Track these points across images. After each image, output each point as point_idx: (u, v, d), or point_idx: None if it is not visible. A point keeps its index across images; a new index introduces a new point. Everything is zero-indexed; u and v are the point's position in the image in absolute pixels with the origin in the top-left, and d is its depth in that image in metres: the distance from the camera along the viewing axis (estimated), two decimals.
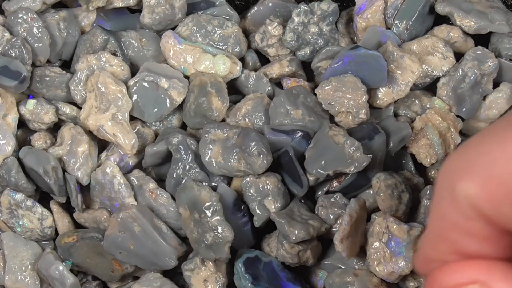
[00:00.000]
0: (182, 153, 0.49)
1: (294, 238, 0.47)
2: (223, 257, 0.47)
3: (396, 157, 0.53)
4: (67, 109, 0.53)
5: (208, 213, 0.47)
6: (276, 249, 0.50)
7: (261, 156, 0.47)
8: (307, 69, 0.55)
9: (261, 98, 0.52)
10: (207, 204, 0.47)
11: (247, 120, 0.51)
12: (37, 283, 0.51)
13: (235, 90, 0.54)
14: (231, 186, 0.50)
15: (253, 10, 0.56)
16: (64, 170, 0.51)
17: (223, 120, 0.52)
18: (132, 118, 0.52)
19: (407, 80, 0.52)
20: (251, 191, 0.48)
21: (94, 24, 0.55)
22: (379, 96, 0.52)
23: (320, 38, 0.54)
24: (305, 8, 0.53)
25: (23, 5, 0.53)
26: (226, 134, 0.49)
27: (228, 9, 0.55)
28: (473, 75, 0.53)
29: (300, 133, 0.49)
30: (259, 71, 0.54)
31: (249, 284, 0.47)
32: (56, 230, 0.52)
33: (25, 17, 0.52)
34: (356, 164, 0.48)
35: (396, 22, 0.55)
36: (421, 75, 0.53)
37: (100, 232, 0.50)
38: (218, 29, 0.54)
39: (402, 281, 0.49)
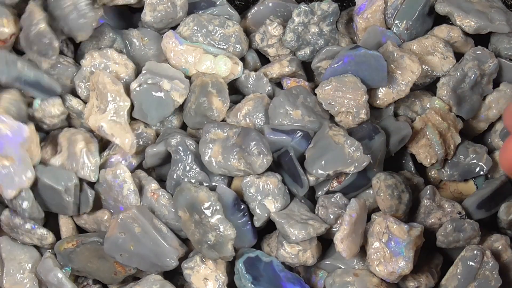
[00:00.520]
0: (182, 154, 0.49)
1: (294, 238, 0.47)
2: (227, 255, 0.47)
3: (396, 157, 0.53)
4: (74, 102, 0.52)
5: (208, 213, 0.47)
6: (276, 249, 0.50)
7: (261, 155, 0.47)
8: (307, 69, 0.55)
9: (261, 98, 0.52)
10: (206, 204, 0.47)
11: (247, 120, 0.51)
12: (35, 283, 0.51)
13: (235, 90, 0.54)
14: (231, 186, 0.50)
15: (253, 10, 0.56)
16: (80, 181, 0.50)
17: (223, 120, 0.52)
18: (134, 119, 0.52)
19: (407, 80, 0.52)
20: (251, 190, 0.48)
21: (102, 21, 0.54)
22: (379, 96, 0.52)
23: (320, 38, 0.54)
24: (306, 8, 0.53)
25: None
26: (226, 134, 0.49)
27: (229, 8, 0.55)
28: (473, 75, 0.53)
29: (300, 133, 0.49)
30: (259, 71, 0.54)
31: (249, 284, 0.47)
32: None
33: None
34: (356, 164, 0.48)
35: (396, 22, 0.55)
36: (421, 75, 0.53)
37: (101, 235, 0.49)
38: (219, 29, 0.54)
39: (402, 281, 0.49)
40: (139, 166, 0.52)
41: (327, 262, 0.50)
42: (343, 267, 0.50)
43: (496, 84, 0.55)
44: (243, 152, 0.48)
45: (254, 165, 0.48)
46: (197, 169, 0.49)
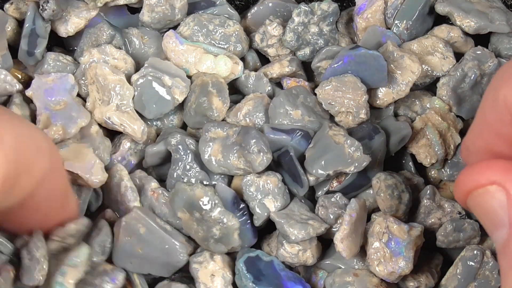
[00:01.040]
0: (182, 153, 0.49)
1: (294, 238, 0.47)
2: (235, 245, 0.47)
3: (396, 157, 0.53)
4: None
5: (208, 208, 0.47)
6: (276, 249, 0.50)
7: (261, 153, 0.47)
8: (307, 69, 0.55)
9: (262, 98, 0.52)
10: (204, 200, 0.47)
11: (247, 120, 0.51)
12: None
13: (235, 90, 0.54)
14: (231, 186, 0.50)
15: (253, 10, 0.56)
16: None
17: (224, 120, 0.52)
18: None
19: (407, 80, 0.52)
20: (251, 190, 0.48)
21: (100, 20, 0.54)
22: (379, 96, 0.52)
23: (320, 38, 0.54)
24: (305, 8, 0.53)
25: None
26: (226, 132, 0.49)
27: (229, 8, 0.55)
28: (473, 75, 0.53)
29: (300, 133, 0.49)
30: (259, 71, 0.54)
31: (250, 284, 0.47)
32: None
33: None
34: (356, 164, 0.48)
35: (396, 22, 0.55)
36: (421, 75, 0.53)
37: None
38: (220, 28, 0.54)
39: (402, 281, 0.49)
40: (139, 166, 0.52)
41: (327, 262, 0.50)
42: (343, 267, 0.50)
43: None
44: (243, 150, 0.48)
45: (254, 163, 0.48)
46: (197, 168, 0.49)
